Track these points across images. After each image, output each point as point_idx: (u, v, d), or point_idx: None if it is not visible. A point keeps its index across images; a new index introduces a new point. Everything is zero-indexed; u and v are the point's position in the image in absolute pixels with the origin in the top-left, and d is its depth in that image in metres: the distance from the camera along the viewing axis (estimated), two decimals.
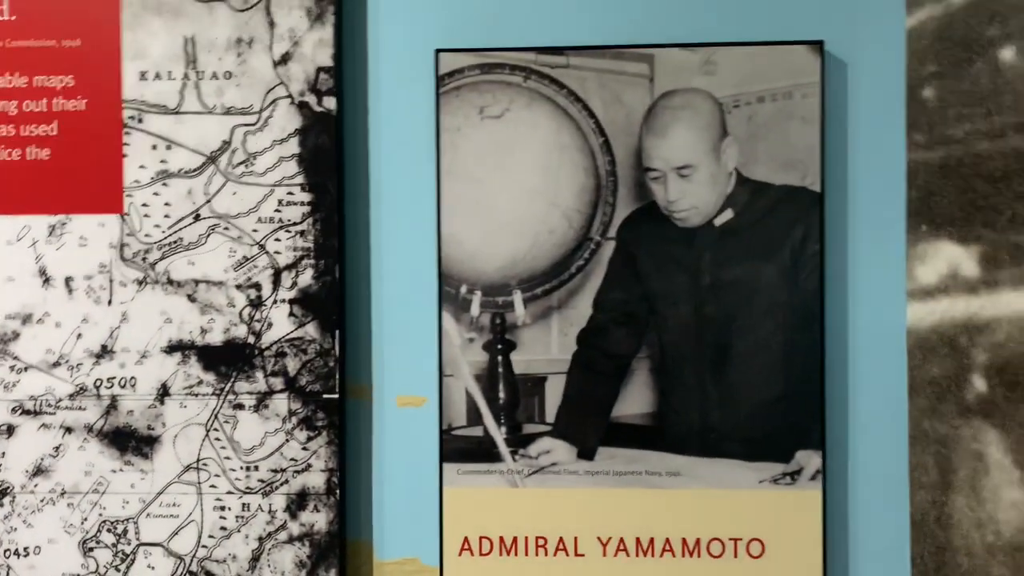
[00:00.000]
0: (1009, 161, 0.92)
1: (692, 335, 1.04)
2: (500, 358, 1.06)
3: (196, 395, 1.08)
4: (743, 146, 1.04)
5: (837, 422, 1.05)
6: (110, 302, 1.08)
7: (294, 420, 1.07)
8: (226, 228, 1.08)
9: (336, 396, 1.07)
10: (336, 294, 1.07)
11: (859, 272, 1.05)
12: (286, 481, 1.07)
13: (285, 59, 1.07)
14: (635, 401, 1.05)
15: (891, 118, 1.05)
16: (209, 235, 1.08)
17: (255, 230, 1.07)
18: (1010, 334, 0.92)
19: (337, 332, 1.07)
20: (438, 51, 1.06)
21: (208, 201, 1.08)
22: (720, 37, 1.05)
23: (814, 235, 1.03)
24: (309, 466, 1.07)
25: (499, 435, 1.06)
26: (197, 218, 1.08)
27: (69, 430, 1.08)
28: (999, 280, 0.93)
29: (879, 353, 1.05)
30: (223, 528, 1.07)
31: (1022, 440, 0.91)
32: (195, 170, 1.08)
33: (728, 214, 1.04)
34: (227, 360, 1.07)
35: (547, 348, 1.06)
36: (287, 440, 1.07)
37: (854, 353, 1.05)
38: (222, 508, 1.07)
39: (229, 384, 1.07)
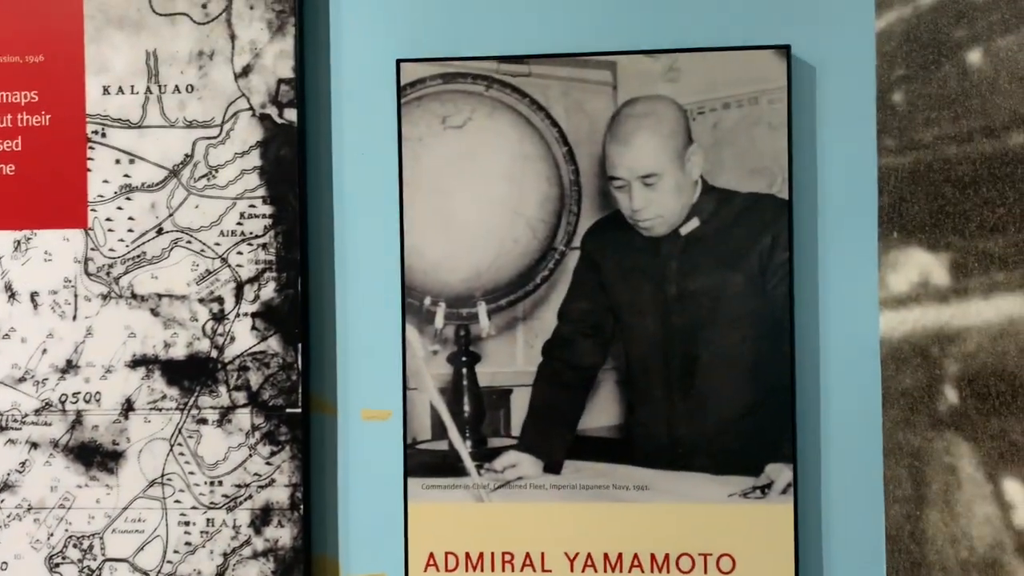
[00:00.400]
0: (977, 166, 0.90)
1: (659, 346, 1.03)
2: (465, 371, 1.05)
3: (160, 410, 1.07)
4: (708, 153, 1.02)
5: (808, 434, 1.03)
6: (75, 317, 1.08)
7: (257, 435, 1.06)
8: (188, 242, 1.07)
9: (299, 410, 1.06)
10: (298, 307, 1.06)
11: (829, 281, 1.03)
12: (250, 496, 1.06)
13: (246, 71, 1.06)
14: (602, 414, 1.03)
15: (861, 123, 1.02)
16: (172, 249, 1.07)
17: (217, 243, 1.07)
18: (980, 344, 0.89)
19: (300, 346, 1.06)
20: (399, 61, 1.05)
21: (171, 215, 1.07)
22: (683, 43, 1.03)
23: (783, 243, 1.01)
24: (273, 481, 1.06)
25: (464, 449, 1.05)
26: (160, 232, 1.07)
27: (35, 445, 1.08)
28: (969, 288, 0.91)
29: (851, 363, 1.02)
30: (188, 543, 1.07)
31: (993, 453, 0.88)
32: (158, 184, 1.07)
33: (694, 223, 1.02)
34: (190, 374, 1.07)
35: (512, 360, 1.04)
36: (250, 455, 1.06)
37: (825, 364, 1.03)
38: (187, 523, 1.07)
39: (192, 399, 1.07)
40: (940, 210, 0.94)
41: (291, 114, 1.06)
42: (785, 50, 1.01)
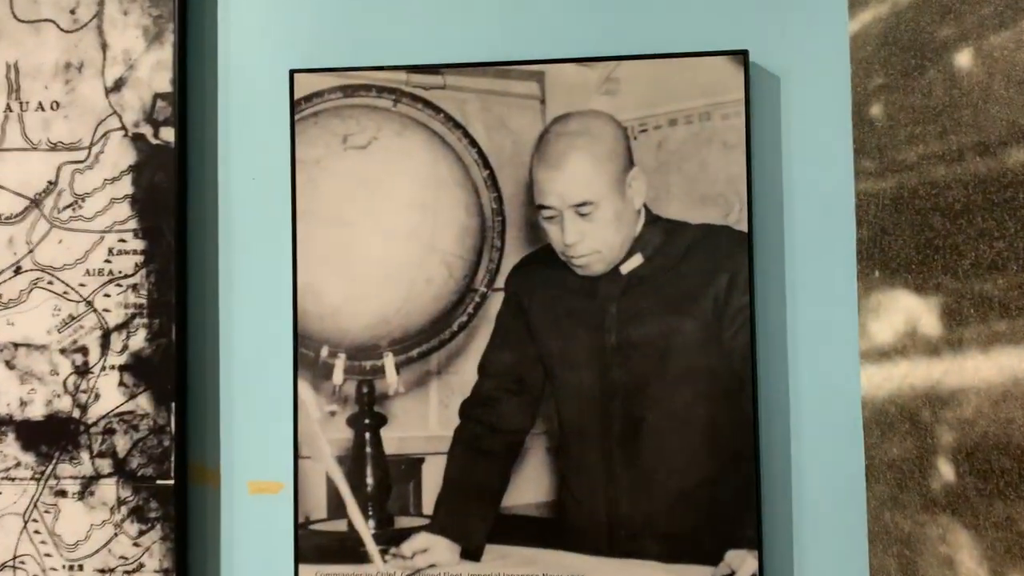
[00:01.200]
0: (970, 191, 0.74)
1: (597, 406, 0.90)
2: (368, 435, 0.92)
3: (13, 479, 0.92)
4: (652, 178, 0.89)
5: (776, 514, 0.88)
6: None
7: (124, 510, 0.91)
8: (50, 282, 0.93)
9: (172, 482, 0.90)
10: (173, 359, 0.91)
11: (799, 328, 0.89)
12: None
13: (119, 85, 0.93)
14: (529, 488, 0.91)
15: (834, 141, 0.89)
16: (31, 291, 0.93)
17: (82, 284, 0.92)
18: (979, 409, 0.72)
19: (174, 405, 0.90)
20: (293, 72, 0.91)
21: (31, 251, 0.93)
22: (623, 49, 0.91)
23: (741, 284, 0.87)
24: (142, 566, 0.91)
25: (366, 530, 0.91)
26: (18, 271, 0.93)
27: None
28: (964, 340, 0.74)
29: (827, 428, 0.89)
30: None
31: (998, 546, 0.71)
32: (17, 215, 0.93)
33: (637, 259, 0.89)
34: (49, 438, 0.92)
35: (424, 423, 0.92)
36: (116, 534, 0.91)
37: (796, 428, 0.88)
38: None
39: (51, 467, 0.92)
40: (928, 244, 0.78)
41: (168, 133, 0.92)
42: (742, 56, 0.88)
